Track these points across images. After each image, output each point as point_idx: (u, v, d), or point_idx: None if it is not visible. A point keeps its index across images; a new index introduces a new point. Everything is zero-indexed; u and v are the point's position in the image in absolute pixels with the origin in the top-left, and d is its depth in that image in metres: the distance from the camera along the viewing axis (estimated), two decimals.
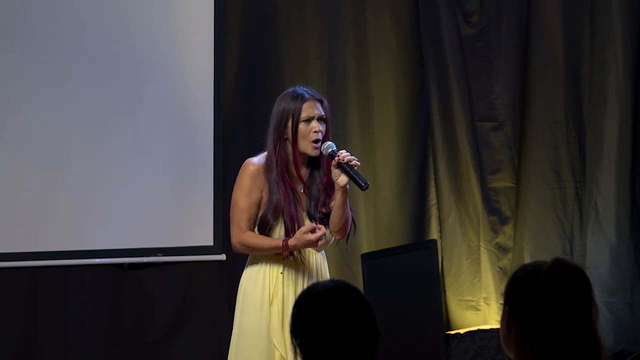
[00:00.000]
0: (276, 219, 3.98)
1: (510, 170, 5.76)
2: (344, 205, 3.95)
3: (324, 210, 4.02)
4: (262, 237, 4.00)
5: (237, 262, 5.50)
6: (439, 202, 5.72)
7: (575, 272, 2.26)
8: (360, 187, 3.89)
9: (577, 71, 5.77)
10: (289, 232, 3.96)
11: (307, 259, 4.03)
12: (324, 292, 2.29)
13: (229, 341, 5.56)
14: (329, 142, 3.96)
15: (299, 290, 3.96)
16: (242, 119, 5.63)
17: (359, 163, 3.90)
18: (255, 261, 4.07)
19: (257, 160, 4.06)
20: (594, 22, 5.74)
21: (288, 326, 3.86)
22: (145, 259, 5.47)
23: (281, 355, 3.95)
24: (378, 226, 5.70)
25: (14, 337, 5.42)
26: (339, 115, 5.65)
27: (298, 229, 3.96)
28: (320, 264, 4.09)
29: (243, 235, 4.02)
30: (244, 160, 5.59)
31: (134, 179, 5.43)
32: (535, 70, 5.77)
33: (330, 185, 3.99)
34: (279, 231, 3.99)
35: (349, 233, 4.08)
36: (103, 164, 5.40)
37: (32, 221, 5.35)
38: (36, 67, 5.35)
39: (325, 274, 4.10)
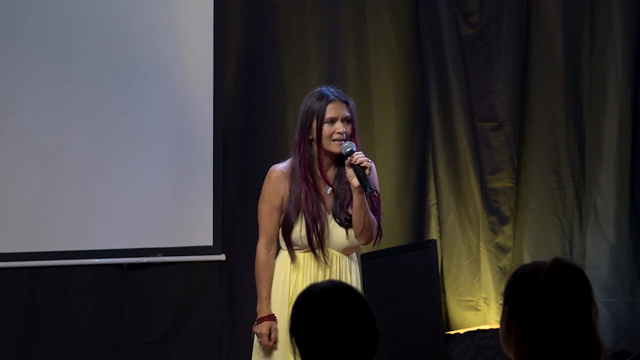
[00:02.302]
0: (296, 216, 3.99)
1: (510, 170, 5.76)
2: (361, 206, 3.93)
3: (349, 211, 4.01)
4: (264, 278, 4.02)
5: (237, 262, 5.51)
6: (438, 202, 5.72)
7: (574, 272, 2.26)
8: (365, 191, 3.90)
9: (577, 71, 5.77)
10: (311, 232, 3.96)
11: (331, 261, 4.02)
12: (323, 292, 2.29)
13: (229, 341, 5.59)
14: (350, 142, 3.95)
15: None
16: (242, 119, 5.63)
17: (369, 165, 3.89)
18: (281, 258, 4.08)
19: (281, 166, 4.07)
20: (593, 22, 5.74)
21: None
22: (145, 259, 5.47)
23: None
24: None
25: (14, 337, 5.42)
26: None
27: (321, 229, 3.96)
28: (347, 267, 4.07)
29: (260, 250, 4.06)
30: (244, 160, 5.63)
31: (134, 179, 5.43)
32: (535, 70, 5.77)
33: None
34: (300, 231, 3.99)
35: (376, 238, 4.07)
36: (103, 164, 5.40)
37: (32, 221, 5.35)
38: (36, 67, 5.36)
39: (353, 278, 4.08)
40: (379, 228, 4.04)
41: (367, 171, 3.89)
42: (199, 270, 5.55)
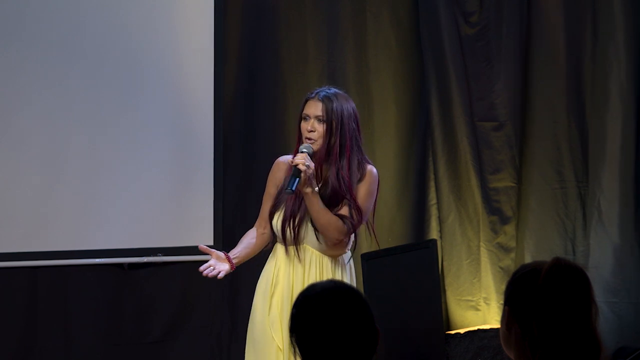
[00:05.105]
0: (280, 206, 4.06)
1: (511, 170, 5.76)
2: (310, 207, 3.95)
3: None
4: (240, 242, 4.20)
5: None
6: (438, 202, 5.72)
7: (575, 272, 2.26)
8: (284, 189, 3.95)
9: (579, 70, 5.76)
10: (285, 224, 4.01)
11: (307, 259, 4.04)
12: (322, 291, 2.29)
13: (229, 341, 5.59)
14: (307, 144, 3.99)
15: (294, 285, 4.03)
16: (242, 119, 5.63)
17: (303, 168, 3.89)
18: (272, 251, 4.15)
19: (286, 157, 4.15)
20: (595, 21, 5.73)
21: (285, 317, 3.96)
22: (145, 259, 5.47)
23: (278, 346, 3.99)
24: (378, 226, 5.68)
25: (14, 337, 5.42)
26: None
27: (298, 224, 4.01)
28: (329, 268, 4.06)
29: (254, 226, 4.21)
30: (244, 160, 5.64)
31: (134, 178, 5.43)
32: (536, 69, 5.77)
33: (334, 189, 4.00)
34: (277, 217, 4.05)
35: (353, 244, 4.09)
36: (103, 163, 5.40)
37: (32, 221, 5.35)
38: (36, 68, 5.36)
39: (326, 274, 4.08)
40: (349, 233, 4.02)
41: (302, 175, 3.89)
42: (199, 270, 5.55)
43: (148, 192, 5.43)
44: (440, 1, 5.70)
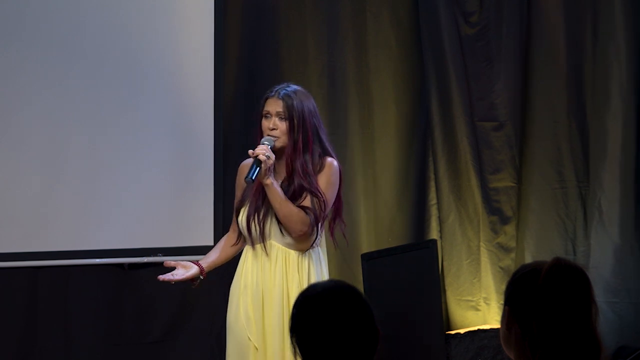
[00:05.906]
0: (245, 203, 4.09)
1: (511, 170, 5.75)
2: (272, 199, 3.98)
3: None
4: (217, 245, 4.30)
5: (237, 262, 5.50)
6: (438, 202, 5.72)
7: (575, 272, 2.26)
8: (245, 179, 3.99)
9: (579, 70, 5.75)
10: (250, 220, 4.03)
11: (273, 255, 4.06)
12: (323, 291, 2.29)
13: None
14: (267, 137, 4.03)
15: (263, 282, 4.06)
16: (242, 119, 5.63)
17: (263, 159, 3.93)
18: (243, 251, 4.18)
19: (249, 160, 4.14)
20: (595, 21, 5.73)
21: (258, 316, 3.97)
22: (145, 259, 5.47)
23: (254, 346, 4.01)
24: (378, 226, 5.70)
25: (14, 337, 5.42)
26: (339, 115, 5.65)
27: (263, 219, 4.04)
28: (296, 263, 4.07)
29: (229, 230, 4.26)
30: (244, 160, 5.63)
31: (134, 178, 5.43)
32: (536, 69, 5.76)
33: (299, 184, 4.03)
34: (243, 213, 4.08)
35: (314, 237, 4.07)
36: (103, 163, 5.41)
37: (32, 221, 5.35)
38: (36, 68, 5.36)
39: (304, 276, 4.07)
40: (312, 224, 4.02)
41: (263, 165, 3.93)
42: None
43: (148, 192, 5.43)
44: (440, 1, 5.70)
